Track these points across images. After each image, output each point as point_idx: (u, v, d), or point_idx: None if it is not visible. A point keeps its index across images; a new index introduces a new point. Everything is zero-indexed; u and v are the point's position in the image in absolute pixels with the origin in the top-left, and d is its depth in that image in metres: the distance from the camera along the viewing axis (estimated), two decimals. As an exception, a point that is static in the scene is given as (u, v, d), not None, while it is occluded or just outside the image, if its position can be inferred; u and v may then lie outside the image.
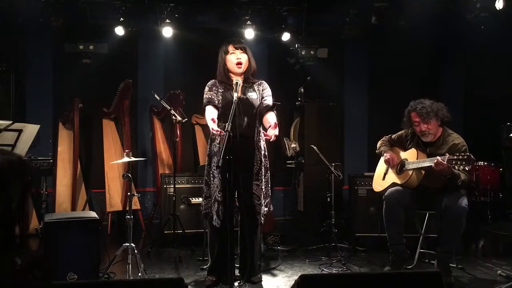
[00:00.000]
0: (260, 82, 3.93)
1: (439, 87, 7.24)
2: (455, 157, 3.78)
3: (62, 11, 6.05)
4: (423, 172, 4.12)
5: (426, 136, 4.17)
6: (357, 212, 5.36)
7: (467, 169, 3.82)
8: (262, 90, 3.89)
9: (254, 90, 3.86)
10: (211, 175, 3.83)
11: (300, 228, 6.36)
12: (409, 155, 4.25)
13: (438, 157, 3.84)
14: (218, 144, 3.76)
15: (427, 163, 3.97)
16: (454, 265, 4.31)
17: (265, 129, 3.76)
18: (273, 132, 3.56)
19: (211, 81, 3.91)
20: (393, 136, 4.49)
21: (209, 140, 3.93)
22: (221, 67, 3.90)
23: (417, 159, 4.15)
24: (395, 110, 6.86)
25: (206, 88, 3.88)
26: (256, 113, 3.82)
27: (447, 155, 3.82)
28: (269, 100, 3.87)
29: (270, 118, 3.75)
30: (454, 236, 4.02)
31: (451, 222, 3.97)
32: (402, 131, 4.43)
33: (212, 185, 3.81)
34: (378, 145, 4.53)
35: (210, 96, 3.81)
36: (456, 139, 4.11)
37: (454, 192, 4.03)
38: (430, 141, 4.19)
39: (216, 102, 3.78)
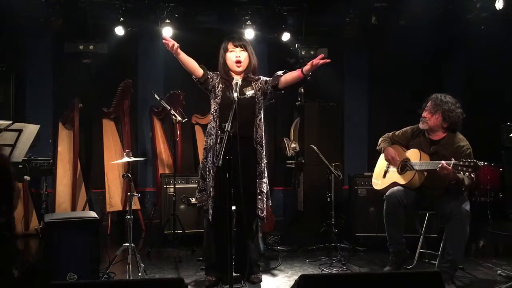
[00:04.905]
0: (258, 78, 3.94)
1: (439, 87, 7.23)
2: (461, 163, 3.72)
3: (62, 11, 6.05)
4: (425, 173, 4.09)
5: (423, 123, 4.17)
6: (357, 212, 5.37)
7: (472, 175, 3.77)
8: (260, 84, 3.92)
9: (252, 88, 3.88)
10: (207, 169, 3.85)
11: (300, 228, 6.35)
12: (412, 155, 4.22)
13: (443, 161, 3.79)
14: (215, 140, 3.78)
15: (432, 166, 3.93)
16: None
17: (279, 89, 3.90)
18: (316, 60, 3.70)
19: (216, 72, 3.95)
20: (397, 132, 4.43)
21: (205, 135, 3.95)
22: (221, 65, 3.92)
23: (420, 160, 4.13)
24: (395, 110, 6.94)
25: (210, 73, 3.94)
26: (254, 112, 3.84)
27: (453, 160, 3.76)
28: (271, 78, 3.93)
29: (289, 73, 3.87)
30: (458, 244, 3.90)
31: (456, 228, 3.88)
32: (409, 127, 4.39)
33: (207, 179, 3.83)
34: (379, 141, 4.49)
35: (207, 71, 3.90)
36: (462, 141, 4.07)
37: (457, 196, 3.98)
38: (435, 140, 4.16)
39: (203, 73, 3.87)
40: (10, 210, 1.63)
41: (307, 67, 3.75)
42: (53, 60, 6.69)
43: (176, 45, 3.70)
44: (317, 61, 3.70)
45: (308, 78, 3.93)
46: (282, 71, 3.92)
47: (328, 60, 3.74)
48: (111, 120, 6.46)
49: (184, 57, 3.81)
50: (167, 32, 6.15)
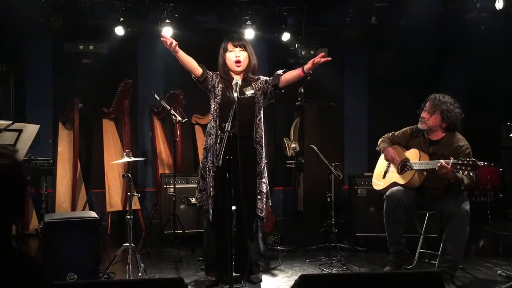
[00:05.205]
0: (257, 78, 3.95)
1: (439, 87, 7.22)
2: (460, 162, 3.71)
3: (62, 11, 6.04)
4: (425, 173, 4.10)
5: (421, 123, 4.18)
6: (357, 212, 5.37)
7: (471, 174, 3.76)
8: (260, 83, 3.92)
9: (252, 88, 3.88)
10: (207, 169, 3.85)
11: (300, 228, 6.36)
12: (411, 155, 4.22)
13: (442, 160, 3.79)
14: (215, 140, 3.78)
15: (431, 165, 3.93)
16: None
17: (279, 88, 3.90)
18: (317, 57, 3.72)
19: (216, 72, 3.96)
20: (397, 133, 4.43)
21: (205, 135, 3.96)
22: (221, 65, 3.92)
23: (419, 159, 4.13)
24: (395, 110, 6.94)
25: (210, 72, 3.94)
26: (254, 111, 3.84)
27: (452, 159, 3.76)
28: (272, 78, 3.93)
29: (289, 72, 3.88)
30: (458, 244, 3.90)
31: (456, 228, 3.88)
32: (408, 128, 4.39)
33: (207, 179, 3.83)
34: (378, 142, 4.49)
35: (207, 70, 3.91)
36: (461, 141, 4.06)
37: (457, 196, 3.98)
38: (434, 140, 4.16)
39: (202, 72, 3.87)
40: (23, 213, 1.64)
41: (308, 65, 3.76)
42: (53, 60, 6.69)
43: (174, 43, 3.71)
44: (318, 59, 3.72)
45: (309, 78, 3.93)
46: (282, 70, 3.93)
47: (329, 58, 3.75)
48: (111, 120, 6.45)
49: (183, 56, 3.82)
50: (167, 31, 6.14)
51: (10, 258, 1.52)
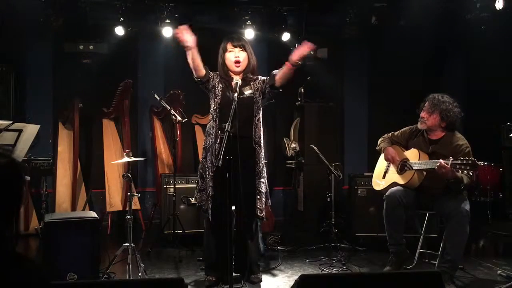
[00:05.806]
0: (256, 78, 3.94)
1: (439, 87, 7.22)
2: (459, 161, 3.72)
3: (62, 11, 6.04)
4: (424, 173, 4.10)
5: (421, 123, 4.19)
6: (357, 212, 5.37)
7: (471, 174, 3.76)
8: (258, 83, 3.92)
9: (251, 88, 3.89)
10: (206, 168, 3.85)
11: (300, 228, 6.35)
12: (411, 155, 4.23)
13: (441, 160, 3.80)
14: (214, 139, 3.78)
15: (430, 165, 3.93)
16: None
17: (276, 88, 3.89)
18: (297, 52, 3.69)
19: (216, 72, 3.94)
20: (396, 133, 4.44)
21: (205, 134, 3.95)
22: (220, 65, 3.92)
23: (419, 159, 4.13)
24: (395, 110, 6.94)
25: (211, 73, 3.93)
26: (253, 111, 3.84)
27: (451, 159, 3.76)
28: (268, 78, 3.93)
29: (279, 70, 3.86)
30: (458, 244, 3.91)
31: (456, 228, 3.89)
32: (407, 127, 4.40)
33: (206, 179, 3.83)
34: (378, 141, 4.50)
35: (209, 71, 3.89)
36: (460, 140, 4.07)
37: (457, 195, 3.98)
38: (434, 139, 4.17)
39: (205, 73, 3.85)
40: (18, 212, 1.65)
41: (293, 57, 3.73)
42: (53, 60, 6.68)
43: (191, 43, 3.67)
44: (303, 48, 3.71)
45: (300, 63, 3.83)
46: (277, 70, 3.92)
47: (313, 47, 3.74)
48: (111, 120, 6.45)
49: (195, 53, 3.76)
50: (167, 31, 6.14)
51: (9, 258, 1.52)
